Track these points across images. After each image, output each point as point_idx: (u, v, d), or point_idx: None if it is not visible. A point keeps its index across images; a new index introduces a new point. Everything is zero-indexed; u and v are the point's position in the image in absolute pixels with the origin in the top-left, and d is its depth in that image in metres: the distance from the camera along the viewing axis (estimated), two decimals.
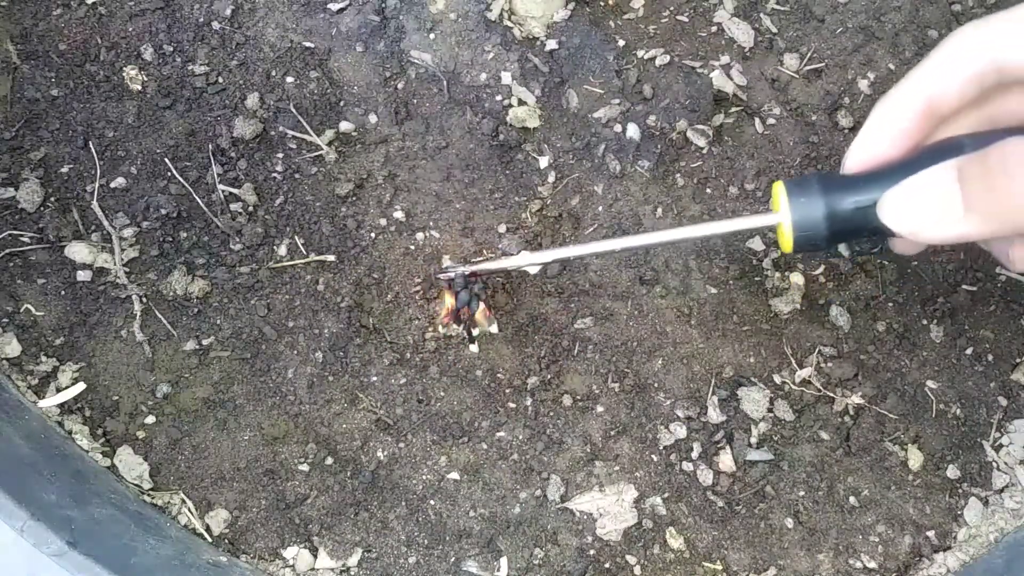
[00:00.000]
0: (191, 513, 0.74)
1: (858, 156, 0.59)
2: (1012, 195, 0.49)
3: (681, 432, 0.76)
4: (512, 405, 0.77)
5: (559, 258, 0.70)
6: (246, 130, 0.80)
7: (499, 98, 0.82)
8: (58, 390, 0.75)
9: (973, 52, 0.55)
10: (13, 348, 0.76)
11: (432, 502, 0.75)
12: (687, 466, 0.76)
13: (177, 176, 0.80)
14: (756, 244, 0.81)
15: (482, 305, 0.75)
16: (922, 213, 0.53)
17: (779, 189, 0.60)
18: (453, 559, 0.74)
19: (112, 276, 0.78)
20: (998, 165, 0.49)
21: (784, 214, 0.59)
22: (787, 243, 0.60)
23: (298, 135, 0.81)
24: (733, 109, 0.84)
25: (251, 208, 0.80)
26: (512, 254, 0.72)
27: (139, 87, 0.82)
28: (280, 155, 0.81)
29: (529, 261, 0.70)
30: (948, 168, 0.52)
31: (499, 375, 0.77)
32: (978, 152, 0.51)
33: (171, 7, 0.84)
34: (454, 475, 0.75)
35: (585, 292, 0.79)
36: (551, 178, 0.81)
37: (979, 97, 0.57)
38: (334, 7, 0.84)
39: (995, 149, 0.50)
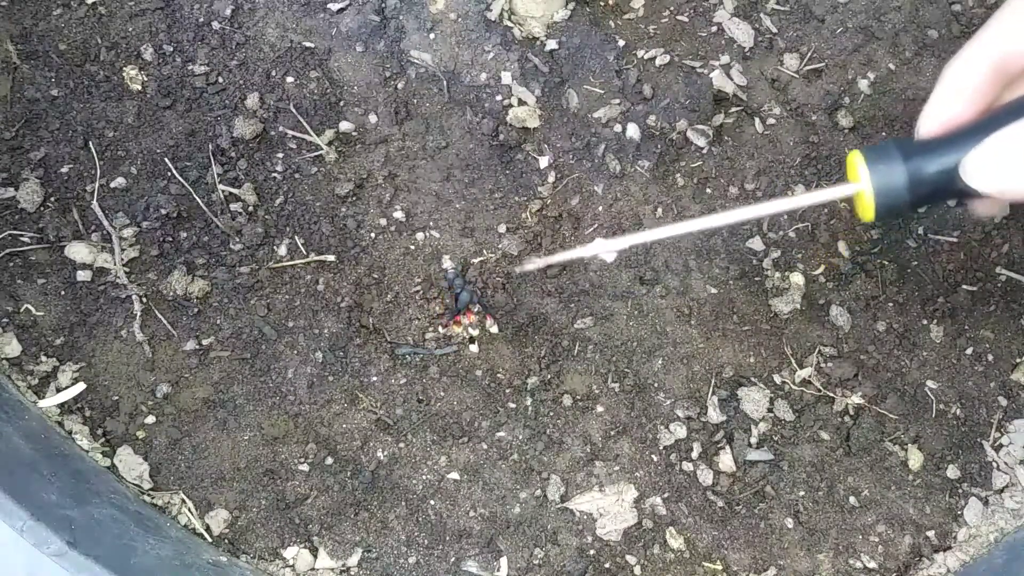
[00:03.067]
0: (191, 513, 0.74)
1: (932, 119, 0.59)
2: None
3: (681, 432, 0.76)
4: (512, 405, 0.77)
5: (636, 243, 0.67)
6: (246, 130, 0.80)
7: (499, 98, 0.82)
8: (58, 390, 0.75)
9: None
10: (13, 348, 0.76)
11: (432, 502, 0.75)
12: (687, 466, 0.76)
13: (177, 176, 0.80)
14: (756, 244, 0.81)
15: (478, 307, 0.75)
16: (1008, 171, 0.52)
17: (856, 157, 0.59)
18: (453, 559, 0.74)
19: (112, 276, 0.78)
20: None
21: (865, 183, 0.58)
22: (868, 211, 0.59)
23: (298, 135, 0.81)
24: (733, 109, 0.84)
25: (251, 208, 0.80)
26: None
27: (139, 87, 0.82)
28: (280, 155, 0.82)
29: (605, 248, 0.67)
30: None
31: (499, 375, 0.77)
32: None
33: (171, 7, 0.84)
34: (454, 475, 0.75)
35: (585, 292, 0.79)
36: (551, 178, 0.81)
37: None
38: (334, 7, 0.84)
39: None
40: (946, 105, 0.58)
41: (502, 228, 0.80)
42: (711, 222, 0.64)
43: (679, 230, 0.65)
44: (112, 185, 0.80)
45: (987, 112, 0.58)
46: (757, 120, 0.84)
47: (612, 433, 0.76)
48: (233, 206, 0.80)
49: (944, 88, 0.58)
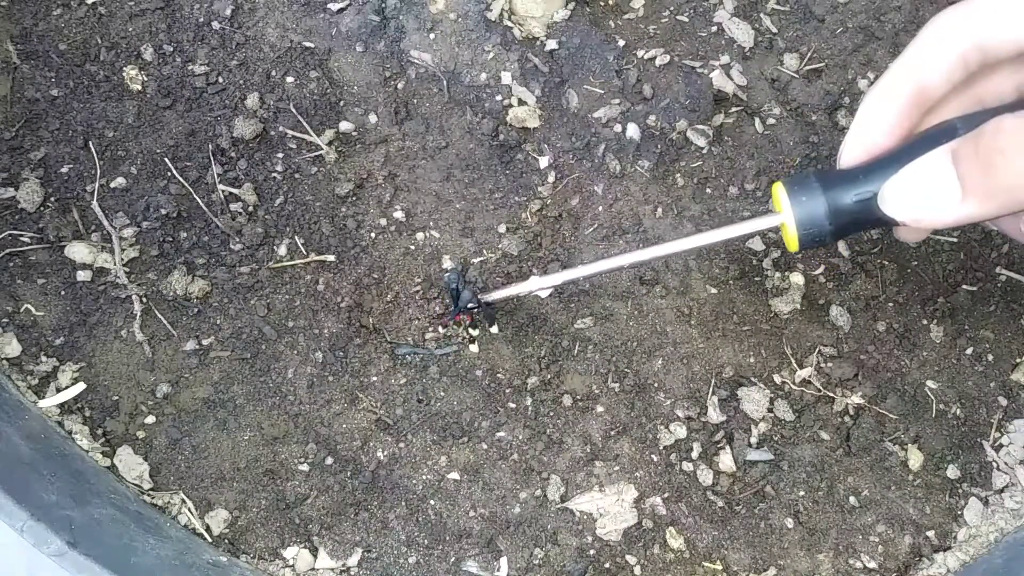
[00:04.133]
0: (191, 513, 0.74)
1: (853, 149, 0.60)
2: (1007, 173, 0.49)
3: (681, 432, 0.76)
4: (512, 405, 0.77)
5: (569, 279, 0.70)
6: (246, 130, 0.80)
7: (499, 98, 0.82)
8: (58, 390, 0.75)
9: (955, 35, 0.55)
10: (13, 348, 0.76)
11: (432, 502, 0.75)
12: (687, 466, 0.76)
13: (177, 176, 0.80)
14: (756, 244, 0.81)
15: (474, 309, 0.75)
16: (922, 200, 0.53)
17: (779, 189, 0.61)
18: (453, 559, 0.74)
19: (112, 276, 0.78)
20: (991, 144, 0.49)
21: (787, 214, 0.59)
22: (792, 242, 0.60)
23: (298, 135, 0.81)
24: (733, 109, 0.84)
25: (251, 208, 0.80)
26: (523, 280, 0.72)
27: (139, 87, 0.82)
28: (280, 155, 0.82)
29: (539, 285, 0.70)
30: (943, 152, 0.53)
31: (499, 375, 0.77)
32: (971, 133, 0.51)
33: (171, 7, 0.84)
34: (454, 475, 0.75)
35: (585, 292, 0.79)
36: (551, 178, 0.81)
37: (965, 79, 0.57)
38: (334, 7, 0.84)
39: (987, 128, 0.49)
40: (866, 134, 0.59)
41: (502, 228, 0.80)
42: (637, 257, 0.66)
43: (609, 266, 0.67)
44: (112, 185, 0.80)
45: (906, 140, 0.58)
46: (757, 120, 0.84)
47: (612, 433, 0.76)
48: (233, 206, 0.80)
49: (863, 117, 0.59)
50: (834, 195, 0.58)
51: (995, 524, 0.75)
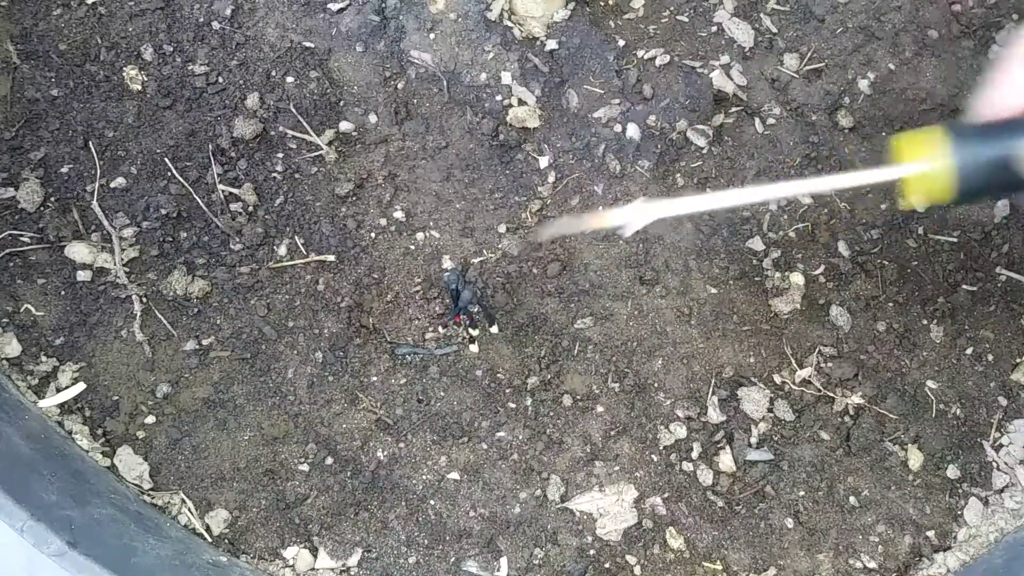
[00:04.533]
0: (191, 513, 0.74)
1: (999, 102, 0.54)
2: None
3: (681, 432, 0.76)
4: (512, 405, 0.77)
5: (679, 212, 0.58)
6: (246, 130, 0.80)
7: (499, 98, 0.82)
8: (58, 390, 0.75)
9: None
10: (13, 348, 0.76)
11: (432, 502, 0.75)
12: (687, 466, 0.76)
13: (177, 176, 0.80)
14: (756, 244, 0.81)
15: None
16: None
17: (940, 134, 0.55)
18: (453, 559, 0.74)
19: (112, 276, 0.78)
20: None
21: (947, 160, 0.54)
22: (945, 193, 0.55)
23: (298, 135, 0.81)
24: (733, 109, 0.83)
25: (251, 208, 0.80)
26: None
27: (139, 87, 0.82)
28: (280, 155, 0.81)
29: (638, 214, 0.57)
30: None
31: (499, 375, 0.77)
32: None
33: (171, 7, 0.84)
34: (454, 475, 0.75)
35: (585, 292, 0.79)
36: (551, 178, 0.81)
37: None
38: (334, 7, 0.84)
39: None
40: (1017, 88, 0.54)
41: (502, 228, 0.80)
42: (765, 194, 0.57)
43: (732, 200, 0.58)
44: (112, 185, 0.80)
45: None
46: (757, 120, 0.84)
47: (612, 433, 0.76)
48: (233, 206, 0.80)
49: (1016, 69, 0.54)
50: (997, 146, 0.53)
51: (995, 524, 0.75)
